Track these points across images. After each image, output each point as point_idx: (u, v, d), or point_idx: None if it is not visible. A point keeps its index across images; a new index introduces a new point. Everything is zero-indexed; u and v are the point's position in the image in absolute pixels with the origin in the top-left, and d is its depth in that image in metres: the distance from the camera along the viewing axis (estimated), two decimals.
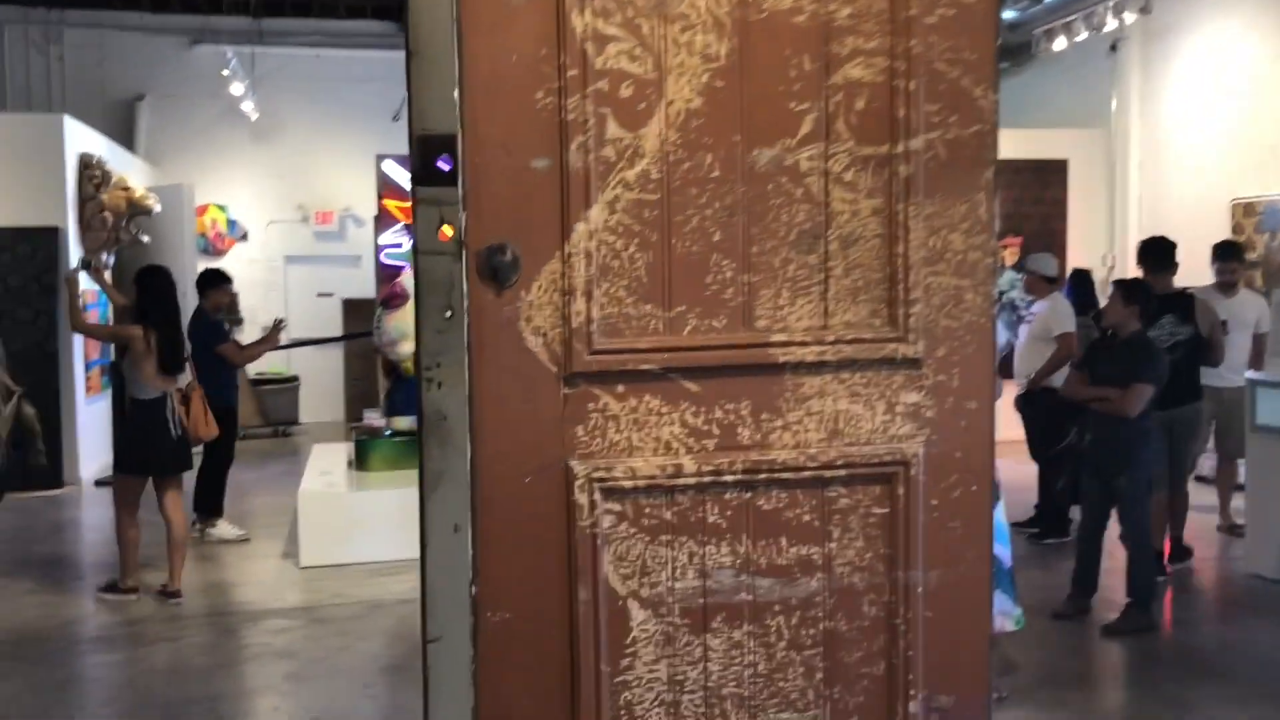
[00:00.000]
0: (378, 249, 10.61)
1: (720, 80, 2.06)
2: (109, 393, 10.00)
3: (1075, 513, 6.85)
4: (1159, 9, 10.58)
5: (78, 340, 10.06)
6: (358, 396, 13.78)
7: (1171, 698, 4.92)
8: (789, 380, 2.12)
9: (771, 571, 2.14)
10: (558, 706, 2.08)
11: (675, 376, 2.09)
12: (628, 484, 2.07)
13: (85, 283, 8.85)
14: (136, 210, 10.95)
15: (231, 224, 14.23)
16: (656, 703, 2.12)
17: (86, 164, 10.62)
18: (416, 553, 2.04)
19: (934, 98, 2.11)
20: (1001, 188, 2.18)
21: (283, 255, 14.44)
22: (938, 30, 2.10)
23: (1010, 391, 7.52)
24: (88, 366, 10.72)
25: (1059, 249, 11.08)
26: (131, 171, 11.82)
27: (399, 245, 10.13)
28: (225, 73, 12.99)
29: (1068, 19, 11.50)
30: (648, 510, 2.09)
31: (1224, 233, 9.43)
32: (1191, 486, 7.33)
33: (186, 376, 6.65)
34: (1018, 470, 8.03)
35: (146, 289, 6.54)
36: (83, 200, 10.54)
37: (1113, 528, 5.87)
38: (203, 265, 10.61)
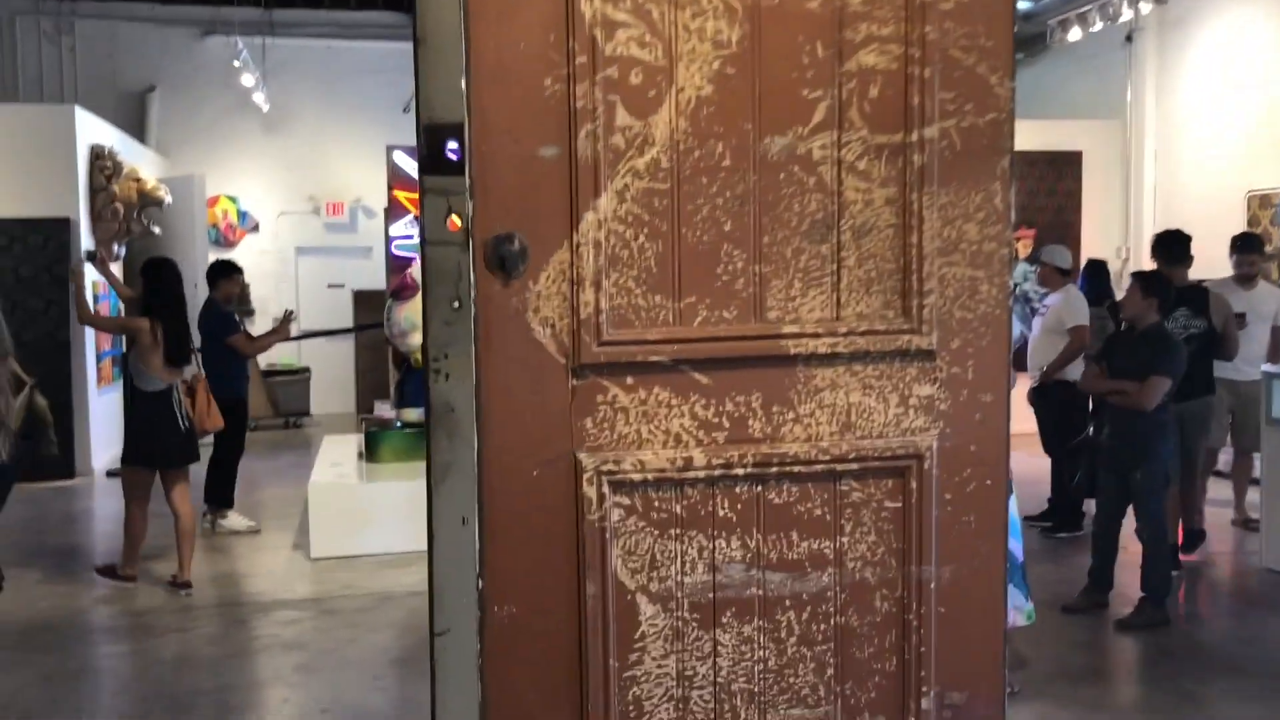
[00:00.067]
0: (388, 240, 10.60)
1: (731, 67, 2.03)
2: (120, 383, 10.03)
3: (1089, 506, 6.82)
4: None
5: (89, 331, 10.10)
6: (368, 388, 13.83)
7: (1185, 693, 4.89)
8: (800, 372, 2.09)
9: (782, 566, 2.11)
10: (566, 701, 2.06)
11: (685, 368, 2.06)
12: (637, 477, 2.04)
13: (92, 274, 8.88)
14: (147, 201, 10.99)
15: (242, 215, 14.24)
16: (665, 698, 2.10)
17: (98, 155, 10.66)
18: (426, 545, 2.02)
19: (949, 85, 2.07)
20: (1015, 179, 2.14)
21: (294, 246, 14.46)
22: (953, 16, 2.07)
23: (1023, 384, 7.48)
24: (99, 357, 10.75)
25: (1073, 241, 11.02)
26: (142, 163, 11.85)
27: (410, 237, 10.12)
28: (236, 64, 12.99)
29: (1083, 9, 11.43)
30: (657, 503, 2.07)
31: (1239, 225, 9.37)
32: (1209, 481, 7.29)
33: (192, 368, 6.65)
34: (1030, 463, 7.99)
35: (152, 281, 6.57)
36: (94, 191, 10.58)
37: (1127, 523, 5.83)
38: (214, 256, 10.63)
